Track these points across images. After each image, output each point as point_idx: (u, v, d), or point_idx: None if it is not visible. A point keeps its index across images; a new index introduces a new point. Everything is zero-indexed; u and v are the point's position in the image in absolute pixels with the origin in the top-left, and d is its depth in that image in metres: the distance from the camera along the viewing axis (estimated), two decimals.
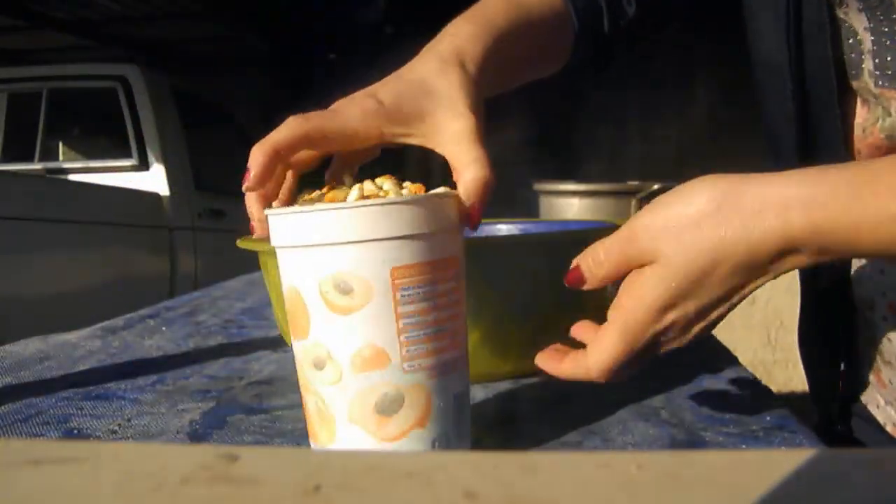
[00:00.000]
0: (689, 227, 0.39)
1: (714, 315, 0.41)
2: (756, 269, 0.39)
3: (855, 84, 0.53)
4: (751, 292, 0.40)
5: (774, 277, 0.39)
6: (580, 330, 0.46)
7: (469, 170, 0.43)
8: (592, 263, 0.43)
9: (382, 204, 0.38)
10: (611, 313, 0.42)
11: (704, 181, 0.40)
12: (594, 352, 0.42)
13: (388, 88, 0.46)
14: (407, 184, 0.42)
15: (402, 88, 0.46)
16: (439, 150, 0.45)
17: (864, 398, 0.65)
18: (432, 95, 0.46)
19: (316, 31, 4.46)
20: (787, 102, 0.55)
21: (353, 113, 0.44)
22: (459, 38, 0.49)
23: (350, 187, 0.42)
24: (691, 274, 0.39)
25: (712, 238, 0.38)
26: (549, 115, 3.93)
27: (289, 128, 0.43)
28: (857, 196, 0.36)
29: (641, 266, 0.41)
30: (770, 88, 0.58)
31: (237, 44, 4.85)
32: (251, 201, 0.45)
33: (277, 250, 0.41)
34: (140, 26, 4.60)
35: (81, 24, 4.50)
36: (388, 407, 0.39)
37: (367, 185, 0.41)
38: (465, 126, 0.44)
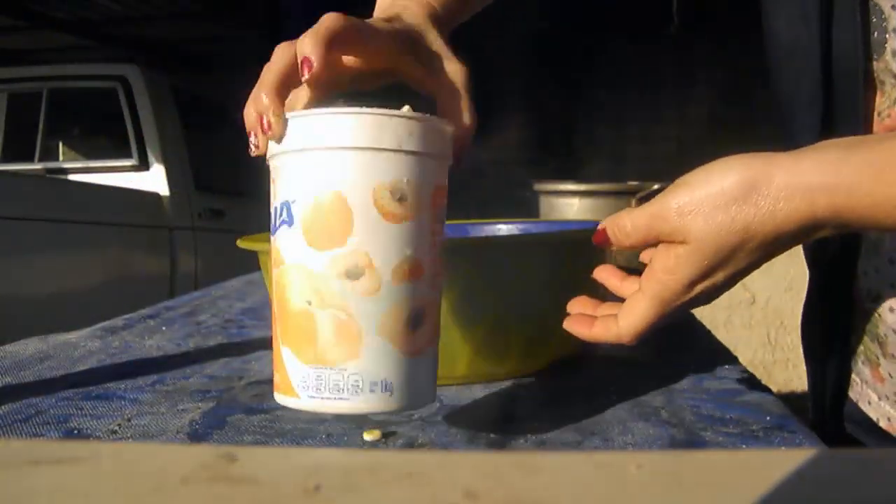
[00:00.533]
0: (719, 209, 0.42)
1: (741, 278, 0.45)
2: (781, 243, 0.42)
3: (875, 65, 0.53)
4: (776, 256, 0.44)
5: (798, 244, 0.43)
6: (605, 274, 0.50)
7: (465, 115, 0.47)
8: (619, 232, 0.46)
9: (444, 123, 0.41)
10: (644, 283, 0.45)
11: (731, 163, 0.42)
12: (626, 317, 0.45)
13: (399, 24, 0.48)
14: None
15: (408, 28, 0.48)
16: (435, 91, 0.48)
17: (853, 395, 0.65)
18: (431, 43, 0.49)
19: None
20: (809, 85, 0.56)
21: (383, 29, 0.45)
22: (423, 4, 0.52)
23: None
24: (721, 252, 0.42)
25: (742, 221, 0.41)
26: (549, 115, 3.93)
27: (332, 19, 0.42)
28: (878, 179, 0.39)
29: (671, 242, 0.44)
30: (789, 71, 0.58)
31: (237, 44, 4.85)
32: (271, 97, 0.41)
33: (314, 152, 0.39)
34: (140, 26, 4.60)
35: (81, 24, 4.50)
36: (417, 321, 0.41)
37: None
38: (463, 74, 0.48)
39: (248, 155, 0.42)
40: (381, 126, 0.38)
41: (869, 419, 0.64)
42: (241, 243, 0.63)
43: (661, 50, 3.55)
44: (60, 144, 3.64)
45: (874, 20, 0.53)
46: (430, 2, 0.52)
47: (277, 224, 0.40)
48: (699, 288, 0.44)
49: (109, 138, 3.42)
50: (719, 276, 0.43)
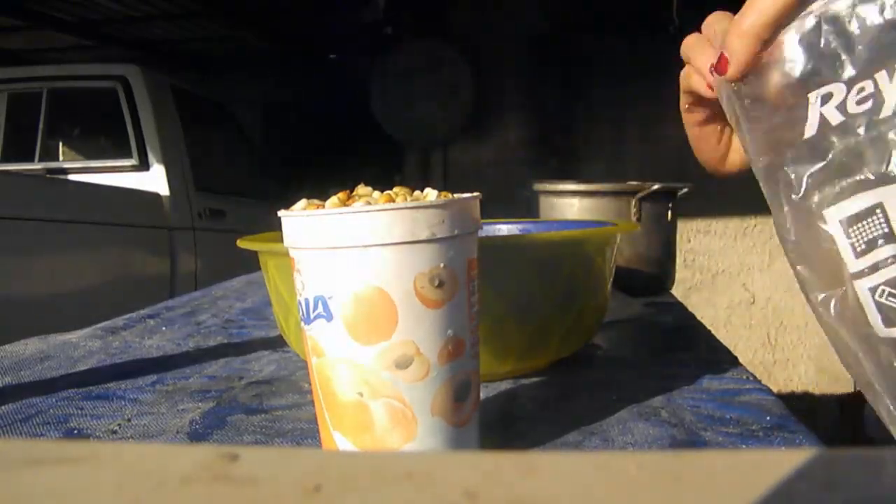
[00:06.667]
0: None
1: None
2: None
3: None
4: None
5: None
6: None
7: None
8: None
9: (473, 199, 0.41)
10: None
11: None
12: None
13: None
14: (417, 192, 0.42)
15: None
16: None
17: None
18: None
19: (316, 31, 4.46)
20: None
21: None
22: None
23: (370, 195, 0.41)
24: None
25: None
26: (549, 114, 3.93)
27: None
28: None
29: None
30: None
31: (237, 44, 4.85)
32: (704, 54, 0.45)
33: (349, 250, 0.38)
34: (140, 26, 4.60)
35: (81, 24, 4.49)
36: (462, 393, 0.41)
37: (419, 191, 0.42)
38: None
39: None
40: (415, 219, 0.38)
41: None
42: (241, 243, 0.63)
43: (661, 49, 3.55)
44: (60, 144, 3.64)
45: None
46: None
47: (312, 317, 0.40)
48: None
49: (109, 138, 3.42)
50: None
